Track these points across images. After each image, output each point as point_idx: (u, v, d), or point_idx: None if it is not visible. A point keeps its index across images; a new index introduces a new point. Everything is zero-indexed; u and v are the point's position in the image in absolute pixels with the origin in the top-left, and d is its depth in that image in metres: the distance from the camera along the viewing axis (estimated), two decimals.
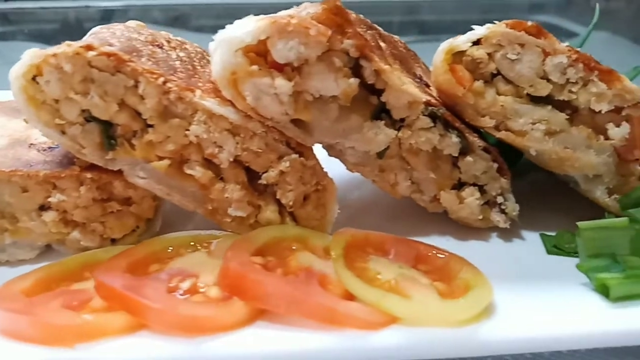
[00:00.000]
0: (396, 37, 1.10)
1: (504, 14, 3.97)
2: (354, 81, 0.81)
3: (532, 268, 0.89)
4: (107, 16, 3.42)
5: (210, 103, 0.83)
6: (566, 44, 0.87)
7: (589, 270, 0.81)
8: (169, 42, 0.96)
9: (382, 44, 0.96)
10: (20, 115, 1.00)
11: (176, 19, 3.36)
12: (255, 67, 0.78)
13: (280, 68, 0.81)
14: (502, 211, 0.97)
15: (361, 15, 1.04)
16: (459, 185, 0.96)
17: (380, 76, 0.84)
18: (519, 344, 0.69)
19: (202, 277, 0.78)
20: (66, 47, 0.78)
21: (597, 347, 0.73)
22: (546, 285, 0.83)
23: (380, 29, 1.05)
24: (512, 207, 0.96)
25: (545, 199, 1.08)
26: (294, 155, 0.87)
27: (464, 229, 0.99)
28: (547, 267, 0.90)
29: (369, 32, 0.94)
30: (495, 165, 0.94)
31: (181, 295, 0.74)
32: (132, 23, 1.00)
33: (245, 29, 0.76)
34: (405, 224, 1.00)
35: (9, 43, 2.81)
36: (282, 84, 0.79)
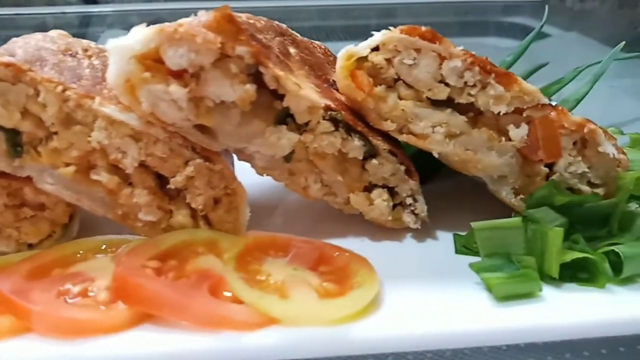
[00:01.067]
0: (317, 42, 1.12)
1: (480, 15, 4.02)
2: (250, 87, 0.83)
3: (436, 268, 0.91)
4: (85, 22, 3.45)
5: (110, 110, 0.85)
6: (461, 47, 0.89)
7: (480, 270, 0.83)
8: (86, 50, 0.98)
9: (292, 50, 0.98)
10: None
11: (153, 24, 3.39)
12: (147, 74, 0.80)
13: (178, 74, 0.83)
14: (413, 212, 0.99)
15: (280, 24, 1.06)
16: (371, 187, 0.98)
17: (279, 82, 0.85)
18: (393, 342, 0.70)
19: (99, 281, 0.79)
20: None
21: (479, 346, 0.74)
22: (443, 284, 0.84)
23: (297, 35, 1.07)
24: (421, 208, 0.98)
25: (465, 200, 1.09)
26: (199, 160, 0.89)
27: (381, 230, 1.01)
28: (451, 266, 0.91)
29: (277, 38, 0.96)
30: (403, 168, 0.96)
31: (70, 298, 0.75)
32: (53, 32, 1.02)
33: (135, 38, 0.78)
34: (323, 226, 1.02)
35: None
36: (175, 90, 0.81)
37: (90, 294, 0.75)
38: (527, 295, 0.78)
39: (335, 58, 1.11)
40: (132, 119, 0.86)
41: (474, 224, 0.86)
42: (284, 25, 1.05)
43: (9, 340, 0.70)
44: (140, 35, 0.78)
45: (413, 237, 1.01)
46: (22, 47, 0.90)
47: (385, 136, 0.95)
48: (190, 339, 0.69)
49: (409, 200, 0.98)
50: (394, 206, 1.00)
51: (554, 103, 1.40)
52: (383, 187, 0.98)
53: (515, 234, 0.84)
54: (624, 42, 1.55)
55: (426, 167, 1.05)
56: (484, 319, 0.75)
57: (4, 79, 0.83)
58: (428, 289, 0.83)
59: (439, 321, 0.74)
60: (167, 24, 0.80)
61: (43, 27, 3.37)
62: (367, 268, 0.83)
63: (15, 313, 0.70)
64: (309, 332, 0.70)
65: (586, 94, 1.42)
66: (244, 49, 0.82)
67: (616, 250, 0.82)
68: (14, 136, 0.86)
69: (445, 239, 0.99)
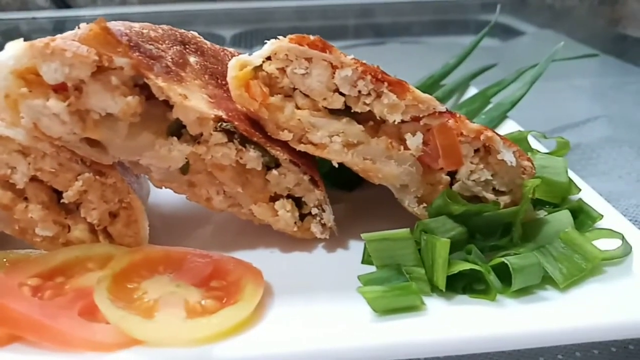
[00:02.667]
0: (231, 50, 1.11)
1: (459, 14, 3.99)
2: (132, 99, 0.82)
3: (336, 280, 0.89)
4: (59, 27, 3.44)
5: None
6: (349, 56, 0.87)
7: (368, 282, 0.81)
8: None
9: (193, 59, 0.96)
10: None
11: None
12: (25, 90, 0.79)
13: (61, 88, 0.81)
14: (320, 222, 0.97)
15: (186, 32, 1.04)
16: (277, 198, 0.96)
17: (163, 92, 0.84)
18: None
19: None
20: None
21: None
22: (336, 297, 0.83)
23: (205, 43, 1.05)
24: (328, 218, 0.97)
25: (388, 210, 1.08)
26: (88, 174, 0.88)
27: (293, 241, 0.99)
28: (352, 278, 0.89)
29: (174, 47, 0.94)
30: (307, 177, 0.94)
31: None
32: None
33: (8, 54, 0.77)
34: (237, 237, 1.01)
35: None
36: (54, 105, 0.80)
37: None
38: (409, 309, 0.76)
39: None
40: (18, 134, 0.85)
41: (364, 235, 0.84)
42: (191, 34, 1.04)
43: None
44: (12, 52, 0.77)
45: (324, 247, 1.00)
46: None
47: (289, 146, 0.93)
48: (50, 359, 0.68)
49: (314, 211, 0.97)
50: (304, 216, 0.98)
51: (490, 106, 1.39)
52: (289, 197, 0.96)
53: (405, 245, 0.83)
54: (562, 43, 1.53)
55: (352, 174, 1.03)
56: (358, 335, 0.73)
57: None
58: (318, 302, 0.82)
59: (308, 339, 0.72)
60: (40, 39, 0.78)
61: (16, 32, 3.36)
62: (255, 283, 0.81)
63: None
64: (167, 352, 0.68)
65: (522, 95, 1.39)
66: (123, 60, 0.80)
67: (506, 262, 0.80)
68: None
69: (357, 249, 0.98)
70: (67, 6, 3.61)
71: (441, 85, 1.54)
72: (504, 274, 0.81)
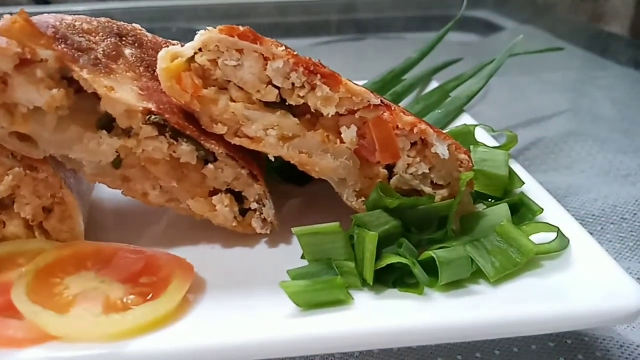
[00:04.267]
0: (175, 42, 1.09)
1: (441, 9, 3.98)
2: (57, 91, 0.80)
3: (270, 275, 0.87)
4: None
5: None
6: (282, 48, 0.85)
7: (296, 277, 0.80)
8: None
9: (128, 51, 0.95)
10: None
11: None
12: None
13: None
14: (260, 217, 0.96)
15: (125, 24, 1.02)
16: (216, 193, 0.95)
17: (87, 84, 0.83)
18: (165, 357, 0.68)
19: None
20: None
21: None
22: (266, 292, 0.82)
23: (146, 35, 1.03)
24: (268, 212, 0.96)
25: (337, 204, 1.07)
26: (18, 169, 0.87)
27: (237, 236, 0.98)
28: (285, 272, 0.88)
29: (108, 39, 0.93)
30: (245, 172, 0.93)
31: None
32: None
33: None
34: (178, 233, 1.00)
35: None
36: None
37: None
38: (334, 303, 0.75)
39: None
40: None
41: (295, 230, 0.83)
42: (131, 26, 1.02)
43: None
44: None
45: (267, 242, 0.99)
46: None
47: (226, 140, 0.92)
48: None
49: (254, 205, 0.96)
50: (245, 211, 0.97)
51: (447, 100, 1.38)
52: (228, 192, 0.95)
53: (336, 238, 0.82)
54: (521, 36, 1.52)
55: None
56: (277, 328, 0.72)
57: None
58: (247, 297, 0.81)
59: (230, 332, 0.71)
60: None
61: None
62: (182, 278, 0.80)
63: None
64: (79, 347, 0.67)
65: (479, 90, 1.39)
66: (47, 52, 0.79)
67: (432, 255, 0.79)
68: None
69: (298, 244, 0.96)
70: (46, 2, 3.58)
71: (402, 79, 1.52)
72: (436, 268, 0.80)
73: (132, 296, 0.76)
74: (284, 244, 0.98)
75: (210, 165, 0.92)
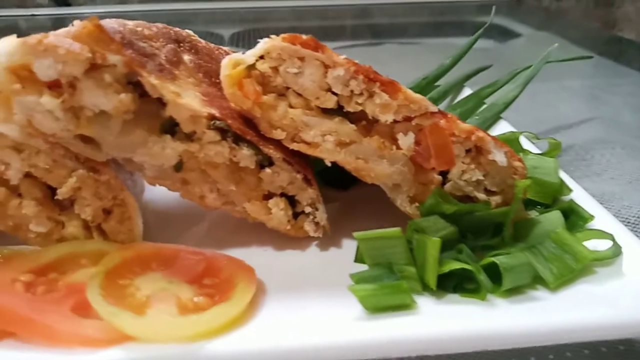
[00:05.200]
0: (226, 49, 1.11)
1: (454, 15, 4.00)
2: (125, 96, 0.82)
3: (327, 278, 0.89)
4: (58, 24, 3.43)
5: None
6: (343, 56, 0.87)
7: (359, 281, 0.82)
8: None
9: (187, 57, 0.97)
10: None
11: None
12: (18, 86, 0.79)
13: (55, 85, 0.81)
14: (313, 221, 0.97)
15: (181, 30, 1.04)
16: (271, 196, 0.97)
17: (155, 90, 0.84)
18: (245, 358, 0.69)
19: None
20: None
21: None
22: (328, 295, 0.83)
23: (200, 41, 1.05)
24: (321, 217, 0.97)
25: (383, 209, 1.08)
26: (81, 171, 0.88)
27: (286, 239, 1.00)
28: (344, 276, 0.89)
29: (168, 45, 0.94)
30: (300, 176, 0.95)
31: None
32: None
33: (1, 51, 0.77)
34: (230, 235, 1.01)
35: None
36: (48, 101, 0.80)
37: None
38: (400, 307, 0.77)
39: None
40: (12, 131, 0.85)
41: (356, 234, 0.84)
42: (186, 32, 1.04)
43: None
44: (5, 48, 0.77)
45: (317, 245, 1.00)
46: None
47: (282, 145, 0.94)
48: (41, 355, 0.68)
49: (308, 209, 0.97)
50: (297, 215, 0.99)
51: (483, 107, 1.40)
52: (282, 195, 0.97)
53: (396, 243, 0.83)
54: (556, 45, 1.54)
55: (347, 173, 1.04)
56: (346, 332, 0.73)
57: None
58: (310, 300, 0.82)
59: (299, 335, 0.72)
60: (33, 35, 0.78)
61: (15, 29, 3.36)
62: (248, 280, 0.82)
63: None
64: (159, 349, 0.68)
65: (516, 97, 1.40)
66: (116, 57, 0.81)
67: (496, 261, 0.80)
68: None
69: (350, 248, 0.97)
70: (67, 4, 3.61)
71: (436, 86, 1.54)
72: (495, 274, 0.82)
73: (200, 297, 0.77)
74: (334, 248, 1.00)
75: (267, 170, 0.93)
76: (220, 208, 0.98)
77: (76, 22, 0.83)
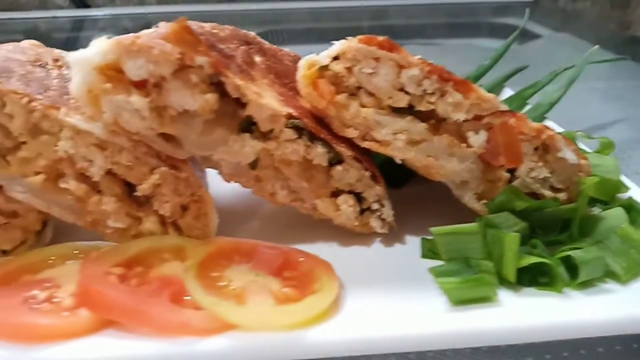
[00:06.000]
0: (287, 50, 1.14)
1: (471, 17, 4.03)
2: (211, 96, 0.85)
3: (400, 272, 0.92)
4: (78, 26, 3.47)
5: (75, 120, 0.86)
6: (418, 57, 0.90)
7: (438, 275, 0.84)
8: (56, 60, 1.00)
9: (258, 59, 1.00)
10: None
11: (145, 28, 3.42)
12: (108, 85, 0.82)
13: (141, 84, 0.84)
14: (380, 217, 1.00)
15: (248, 32, 1.07)
16: (338, 194, 1.00)
17: (239, 90, 0.87)
18: (343, 346, 0.72)
19: (66, 287, 0.81)
20: None
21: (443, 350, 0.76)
22: (405, 288, 0.86)
23: (264, 43, 1.08)
24: (388, 213, 1.00)
25: (437, 204, 1.11)
26: (164, 168, 0.91)
27: (350, 235, 1.02)
28: (415, 271, 0.92)
29: (241, 47, 0.97)
30: (368, 174, 0.97)
31: (37, 304, 0.77)
32: (25, 42, 1.04)
33: (94, 50, 0.80)
34: (294, 231, 1.04)
35: None
36: (137, 100, 0.83)
37: (56, 300, 0.77)
38: (482, 300, 0.80)
39: None
40: (97, 129, 0.88)
41: (433, 230, 0.87)
42: (252, 34, 1.07)
43: None
44: (99, 48, 0.80)
45: (381, 241, 1.03)
46: None
47: (351, 143, 0.96)
48: (147, 344, 0.71)
49: (375, 206, 1.00)
50: (362, 211, 1.01)
51: (528, 107, 1.43)
52: (349, 193, 0.99)
53: (473, 239, 0.86)
54: (597, 46, 1.56)
55: (400, 171, 1.07)
56: (436, 323, 0.76)
57: None
58: (389, 293, 0.85)
59: (392, 325, 0.75)
60: (126, 35, 0.81)
61: (35, 31, 3.38)
62: (329, 274, 0.85)
63: None
64: (263, 337, 0.71)
65: (560, 97, 1.43)
66: (203, 59, 0.84)
67: (572, 255, 0.83)
68: None
69: (413, 243, 1.00)
70: (86, 5, 3.64)
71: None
72: (566, 267, 0.85)
73: (288, 289, 0.80)
74: (398, 244, 1.02)
75: (338, 167, 0.96)
76: (288, 204, 1.00)
77: (162, 24, 0.86)
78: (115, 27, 3.40)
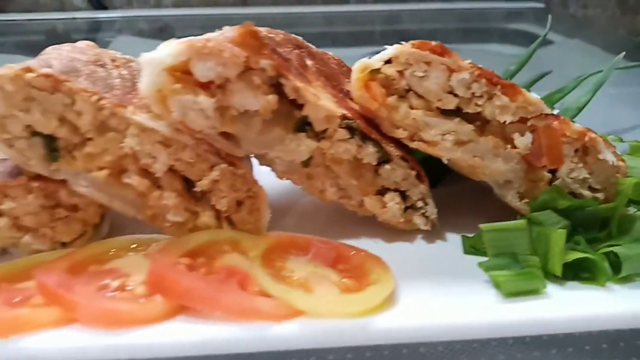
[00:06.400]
0: (330, 54, 1.19)
1: (483, 22, 4.07)
2: (272, 97, 0.89)
3: (445, 266, 0.96)
4: (95, 27, 3.52)
5: (142, 118, 0.91)
6: (468, 60, 0.95)
7: (488, 269, 0.89)
8: (113, 60, 1.05)
9: (309, 62, 1.04)
10: None
11: (161, 30, 3.47)
12: (178, 85, 0.86)
13: (205, 86, 0.89)
14: (423, 215, 1.05)
15: (297, 36, 1.12)
16: (384, 191, 1.04)
17: (299, 93, 0.92)
18: (408, 333, 0.77)
19: (134, 276, 0.86)
20: (7, 69, 0.86)
21: (488, 339, 0.80)
22: (453, 282, 0.90)
23: (312, 47, 1.13)
24: (432, 211, 1.04)
25: (472, 205, 1.15)
26: (224, 165, 0.95)
27: (392, 232, 1.07)
28: (460, 266, 0.96)
29: (295, 51, 1.02)
30: (414, 173, 1.02)
31: (110, 292, 0.81)
32: (81, 43, 1.08)
33: (166, 52, 0.84)
34: (339, 228, 1.08)
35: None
36: (204, 101, 0.87)
37: (128, 288, 0.81)
38: (532, 292, 0.84)
39: (348, 68, 1.18)
40: (162, 127, 0.92)
41: (482, 226, 0.92)
42: (300, 38, 1.11)
43: (56, 329, 0.75)
44: (171, 49, 0.84)
45: (423, 238, 1.07)
46: (56, 58, 0.96)
47: (397, 143, 1.01)
48: (222, 329, 0.75)
49: (419, 204, 1.04)
50: (405, 209, 1.06)
51: (556, 112, 1.47)
52: (395, 190, 1.04)
53: (521, 235, 0.90)
54: (624, 53, 1.61)
55: (433, 172, 1.11)
56: (492, 313, 0.80)
57: (44, 89, 0.89)
58: (439, 286, 0.89)
59: (451, 314, 0.80)
60: (196, 38, 0.86)
61: (53, 33, 3.42)
62: (382, 266, 0.89)
63: (62, 305, 0.76)
64: (331, 323, 0.76)
65: (587, 102, 1.47)
66: (266, 62, 0.88)
67: (615, 251, 0.87)
68: (51, 142, 0.92)
69: (453, 240, 1.05)
70: (103, 7, 3.69)
71: None
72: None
73: (347, 280, 0.84)
74: (439, 240, 1.07)
75: (387, 166, 1.00)
76: (336, 201, 1.05)
77: (227, 28, 0.91)
78: (131, 29, 3.45)
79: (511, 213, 1.01)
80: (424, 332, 0.77)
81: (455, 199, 1.19)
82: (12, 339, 0.74)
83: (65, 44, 1.06)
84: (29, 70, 0.87)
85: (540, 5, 4.09)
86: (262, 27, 1.04)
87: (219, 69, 0.86)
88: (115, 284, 0.82)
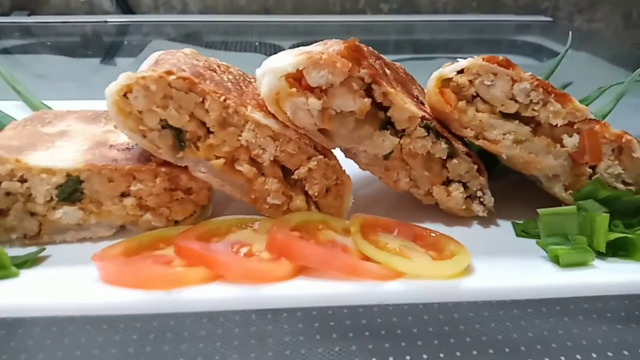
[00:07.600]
0: (397, 64, 1.37)
1: (493, 34, 4.27)
2: (367, 100, 1.08)
3: (503, 246, 1.15)
4: (123, 31, 3.69)
5: (258, 116, 1.09)
6: (529, 72, 1.14)
7: (546, 245, 1.07)
8: (219, 66, 1.22)
9: (387, 71, 1.23)
10: (95, 122, 1.27)
11: (188, 36, 3.64)
12: (293, 90, 1.04)
13: (311, 90, 1.07)
14: (481, 203, 1.23)
15: (370, 48, 1.30)
16: (447, 182, 1.22)
17: (386, 96, 1.10)
18: (489, 292, 0.95)
19: (254, 246, 1.03)
20: (152, 72, 1.04)
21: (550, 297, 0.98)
22: (514, 258, 1.08)
23: (385, 58, 1.31)
24: (489, 200, 1.23)
25: (517, 195, 1.33)
26: (320, 156, 1.13)
27: (451, 218, 1.25)
28: (515, 245, 1.15)
29: (377, 62, 1.20)
30: (475, 167, 1.20)
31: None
32: (187, 50, 1.25)
33: (287, 61, 1.02)
34: (405, 213, 1.26)
35: (32, 56, 3.06)
36: (313, 102, 1.05)
37: (255, 254, 0.99)
38: (583, 263, 1.03)
39: (411, 77, 1.37)
40: (273, 123, 1.10)
41: (540, 210, 1.10)
42: (376, 51, 1.30)
43: (204, 285, 0.93)
44: (292, 60, 1.02)
45: (478, 224, 1.25)
46: (183, 64, 1.13)
47: (462, 141, 1.20)
48: (340, 285, 0.93)
49: (479, 193, 1.23)
50: (466, 198, 1.24)
51: None
52: (458, 182, 1.22)
53: (571, 219, 1.09)
54: None
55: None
56: (555, 278, 1.00)
57: (180, 89, 1.06)
58: (503, 260, 1.07)
59: (524, 278, 0.98)
60: (311, 51, 1.04)
61: (83, 36, 3.58)
62: (456, 242, 1.07)
63: (209, 265, 0.94)
64: (428, 283, 0.94)
65: (610, 111, 1.67)
66: (365, 71, 1.07)
67: None
68: (179, 134, 1.10)
69: (504, 226, 1.24)
70: (132, 12, 3.86)
71: None
72: None
73: (431, 252, 1.02)
74: (493, 226, 1.25)
75: (454, 160, 1.19)
76: (407, 190, 1.23)
77: (332, 41, 1.09)
78: (158, 33, 3.62)
79: (547, 203, 1.17)
80: (503, 292, 0.95)
81: (500, 192, 1.38)
82: (174, 291, 0.91)
83: (173, 50, 1.24)
84: (170, 73, 1.04)
85: (548, 18, 4.30)
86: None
87: (329, 77, 1.04)
88: (243, 250, 1.00)
